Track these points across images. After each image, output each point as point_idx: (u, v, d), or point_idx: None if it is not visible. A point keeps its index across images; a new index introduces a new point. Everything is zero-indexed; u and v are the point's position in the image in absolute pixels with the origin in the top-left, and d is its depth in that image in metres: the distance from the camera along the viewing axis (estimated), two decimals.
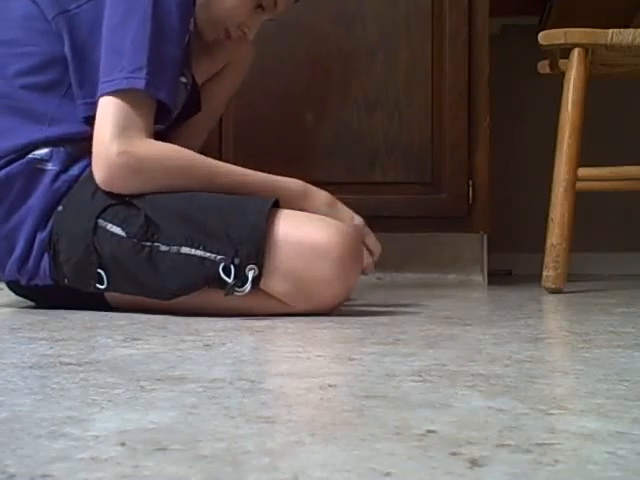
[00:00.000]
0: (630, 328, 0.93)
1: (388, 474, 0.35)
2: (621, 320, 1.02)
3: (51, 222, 1.10)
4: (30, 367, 0.64)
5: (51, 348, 0.74)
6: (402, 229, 1.79)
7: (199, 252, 1.01)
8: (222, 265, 1.00)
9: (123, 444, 0.40)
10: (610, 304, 1.29)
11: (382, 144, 1.76)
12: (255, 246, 1.00)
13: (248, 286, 1.00)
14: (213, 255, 1.00)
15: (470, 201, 1.75)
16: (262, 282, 1.01)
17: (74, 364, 0.65)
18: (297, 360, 0.68)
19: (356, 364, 0.66)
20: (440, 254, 1.87)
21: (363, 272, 1.15)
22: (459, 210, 1.75)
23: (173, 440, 0.40)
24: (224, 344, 0.78)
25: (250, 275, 1.00)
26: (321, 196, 1.15)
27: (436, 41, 1.76)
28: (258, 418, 0.46)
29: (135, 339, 0.82)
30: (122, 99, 1.06)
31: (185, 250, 1.01)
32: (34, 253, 1.11)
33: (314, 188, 1.15)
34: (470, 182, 1.75)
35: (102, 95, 1.07)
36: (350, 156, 1.77)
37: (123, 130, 1.05)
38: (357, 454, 0.38)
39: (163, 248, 1.02)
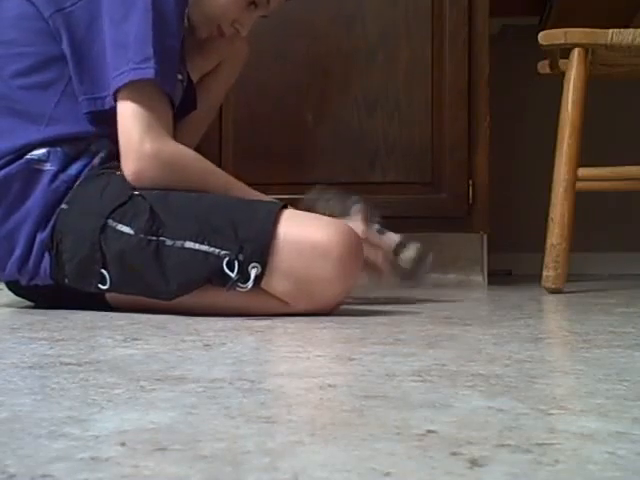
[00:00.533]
0: (630, 328, 0.93)
1: (388, 474, 0.35)
2: (621, 320, 1.02)
3: (53, 221, 1.10)
4: (30, 367, 0.64)
5: (51, 348, 0.74)
6: (402, 229, 1.78)
7: (204, 247, 1.01)
8: (226, 260, 1.00)
9: (123, 444, 0.40)
10: (610, 304, 1.29)
11: (382, 144, 1.76)
12: (260, 246, 1.00)
13: (250, 283, 1.00)
14: (217, 250, 1.01)
15: (470, 201, 1.75)
16: (263, 281, 1.01)
17: (74, 364, 0.65)
18: (297, 360, 0.68)
19: (356, 364, 0.66)
20: (440, 254, 1.87)
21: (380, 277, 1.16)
22: (459, 210, 1.75)
23: (173, 440, 0.40)
24: (224, 344, 0.78)
25: (253, 273, 1.00)
26: None
27: (436, 41, 1.76)
28: (258, 418, 0.46)
29: (135, 339, 0.82)
30: (138, 96, 1.07)
31: (190, 245, 1.02)
32: (34, 253, 1.11)
33: None
34: (470, 182, 1.75)
35: (116, 91, 1.09)
36: (350, 156, 1.77)
37: (149, 128, 1.07)
38: (357, 454, 0.38)
39: (168, 242, 1.03)
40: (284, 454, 0.38)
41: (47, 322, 0.98)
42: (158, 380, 0.58)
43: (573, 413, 0.47)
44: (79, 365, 0.65)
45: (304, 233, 1.02)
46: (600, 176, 1.61)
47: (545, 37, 1.58)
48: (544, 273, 1.58)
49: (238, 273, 1.00)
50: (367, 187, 1.76)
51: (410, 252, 1.24)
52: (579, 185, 1.57)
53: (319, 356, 0.70)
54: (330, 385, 0.56)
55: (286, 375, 0.61)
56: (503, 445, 0.39)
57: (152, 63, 1.07)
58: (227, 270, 1.00)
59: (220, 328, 0.91)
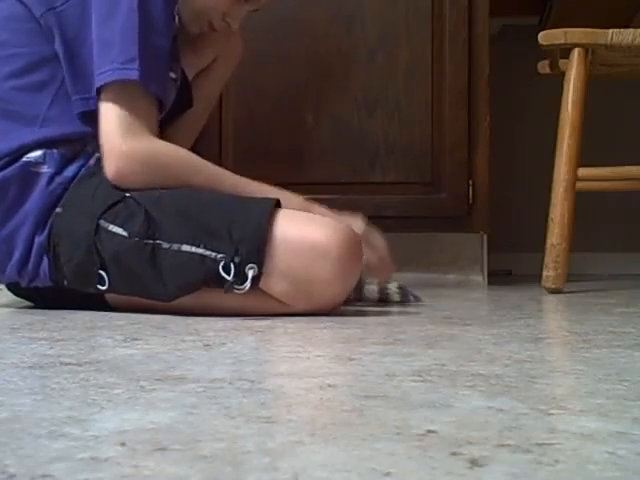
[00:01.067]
0: (630, 328, 0.93)
1: (388, 474, 0.35)
2: (621, 320, 1.02)
3: (49, 224, 1.10)
4: (30, 367, 0.64)
5: (51, 348, 0.74)
6: (402, 229, 1.78)
7: (200, 250, 1.01)
8: (222, 263, 1.00)
9: (123, 444, 0.40)
10: (610, 304, 1.29)
11: (382, 144, 1.76)
12: (256, 246, 1.00)
13: (247, 284, 1.00)
14: (214, 254, 1.01)
15: (470, 201, 1.75)
16: (262, 282, 1.01)
17: (74, 364, 0.65)
18: (297, 360, 0.68)
19: (356, 364, 0.66)
20: (440, 254, 1.87)
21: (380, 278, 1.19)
22: (459, 210, 1.75)
23: (173, 440, 0.40)
24: (224, 344, 0.78)
25: (250, 274, 1.00)
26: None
27: (436, 41, 1.76)
28: (258, 418, 0.46)
29: (135, 339, 0.82)
30: (119, 96, 1.07)
31: (186, 248, 1.02)
32: (33, 256, 1.11)
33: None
34: (470, 182, 1.75)
35: (98, 89, 1.08)
36: (350, 156, 1.77)
37: (128, 127, 1.07)
38: (357, 454, 0.38)
39: (165, 246, 1.03)
40: (284, 454, 0.38)
41: (47, 322, 0.98)
42: (158, 380, 0.58)
43: (573, 413, 0.47)
44: (79, 365, 0.65)
45: (302, 233, 1.02)
46: (600, 176, 1.61)
47: (545, 37, 1.58)
48: (544, 273, 1.58)
49: (235, 275, 1.00)
50: (367, 187, 1.76)
51: (394, 294, 1.28)
52: (579, 185, 1.57)
53: (319, 356, 0.70)
54: (330, 385, 0.56)
55: (286, 375, 0.61)
56: (503, 445, 0.39)
57: (136, 64, 1.06)
58: (223, 273, 1.00)
59: (220, 328, 0.91)
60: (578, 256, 2.08)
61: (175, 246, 1.02)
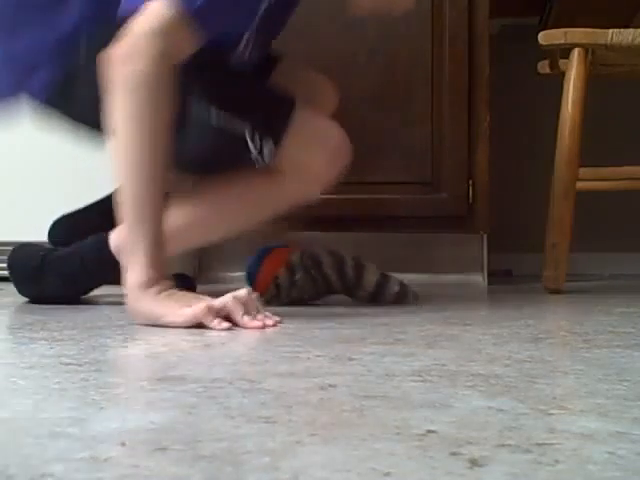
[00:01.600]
0: (630, 328, 0.93)
1: (388, 474, 0.35)
2: (621, 320, 1.02)
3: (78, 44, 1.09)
4: (30, 367, 0.64)
5: (51, 348, 0.74)
6: (402, 229, 1.78)
7: (227, 113, 1.11)
8: (248, 130, 1.10)
9: (123, 444, 0.40)
10: (610, 304, 1.29)
11: (382, 144, 1.76)
12: (278, 123, 1.12)
13: (268, 157, 1.11)
14: (241, 121, 1.11)
15: (470, 201, 1.75)
16: (278, 153, 1.11)
17: (74, 364, 0.65)
18: (297, 360, 0.68)
19: (356, 364, 0.66)
20: (440, 254, 1.87)
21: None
22: (459, 210, 1.75)
23: (173, 440, 0.40)
24: (224, 344, 0.78)
25: (270, 148, 1.11)
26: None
27: (436, 41, 1.76)
28: (258, 418, 0.46)
29: (135, 339, 0.82)
30: (182, 21, 0.97)
31: (214, 111, 1.10)
32: (46, 61, 1.10)
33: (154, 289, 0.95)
34: (470, 182, 1.75)
35: None
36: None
37: (167, 43, 0.97)
38: (357, 454, 0.38)
39: (191, 101, 1.08)
40: (284, 454, 0.38)
41: (47, 322, 0.98)
42: (158, 380, 0.58)
43: (573, 413, 0.47)
44: (79, 365, 0.65)
45: (312, 114, 1.18)
46: (600, 176, 1.61)
47: (545, 37, 1.58)
48: (544, 273, 1.58)
49: (258, 145, 1.10)
50: (367, 187, 1.76)
51: (393, 288, 1.27)
52: (579, 185, 1.57)
53: (319, 356, 0.70)
54: (330, 385, 0.56)
55: (286, 375, 0.61)
56: (503, 445, 0.39)
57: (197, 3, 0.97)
58: (249, 140, 1.10)
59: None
60: (578, 256, 2.08)
61: (203, 105, 1.09)
